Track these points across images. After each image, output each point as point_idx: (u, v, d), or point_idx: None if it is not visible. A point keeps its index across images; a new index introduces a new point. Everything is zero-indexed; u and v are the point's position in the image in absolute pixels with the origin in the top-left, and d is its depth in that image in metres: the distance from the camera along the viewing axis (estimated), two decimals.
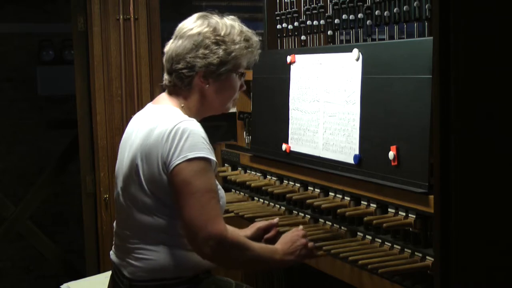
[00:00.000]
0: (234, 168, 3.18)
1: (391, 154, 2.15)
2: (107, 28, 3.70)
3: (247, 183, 2.92)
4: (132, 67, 3.73)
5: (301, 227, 2.34)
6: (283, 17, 2.99)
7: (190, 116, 2.15)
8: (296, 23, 2.91)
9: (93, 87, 3.75)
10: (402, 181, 2.10)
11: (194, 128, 2.06)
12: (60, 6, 5.08)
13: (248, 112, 3.15)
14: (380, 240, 2.21)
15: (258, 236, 2.45)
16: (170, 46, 2.21)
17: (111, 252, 2.27)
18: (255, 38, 2.27)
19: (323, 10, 2.74)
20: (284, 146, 2.75)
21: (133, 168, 2.11)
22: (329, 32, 2.69)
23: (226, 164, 3.23)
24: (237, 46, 2.19)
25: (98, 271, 3.80)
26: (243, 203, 2.93)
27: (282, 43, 3.04)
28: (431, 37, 1.58)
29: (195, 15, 2.25)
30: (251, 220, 2.62)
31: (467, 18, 1.52)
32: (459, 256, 1.53)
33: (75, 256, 5.07)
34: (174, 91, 2.21)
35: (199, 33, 2.16)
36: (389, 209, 2.18)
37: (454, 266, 1.53)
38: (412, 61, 2.11)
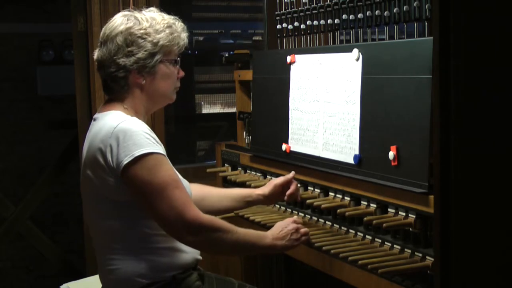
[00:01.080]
0: (234, 168, 3.17)
1: (391, 154, 2.15)
2: None
3: (247, 183, 2.92)
4: None
5: (295, 217, 2.33)
6: (283, 17, 2.99)
7: (136, 114, 2.16)
8: (296, 23, 2.91)
9: (93, 87, 3.75)
10: (402, 181, 2.10)
11: (133, 126, 2.05)
12: (60, 6, 5.08)
13: (248, 112, 3.15)
14: (380, 240, 2.21)
15: (277, 193, 2.45)
16: (98, 53, 2.19)
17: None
18: (179, 23, 2.25)
19: (323, 10, 2.74)
20: (284, 146, 2.75)
21: (85, 178, 2.12)
22: (329, 21, 2.68)
23: (226, 164, 3.23)
24: (162, 35, 2.17)
25: None
26: None
27: (282, 43, 3.04)
28: (431, 37, 1.58)
29: (115, 17, 2.24)
30: (251, 221, 2.63)
31: (467, 18, 1.52)
32: (459, 256, 1.54)
33: (75, 256, 5.08)
34: (114, 96, 2.20)
35: (121, 32, 2.15)
36: (389, 209, 2.18)
37: (454, 266, 1.53)
38: (412, 61, 2.11)
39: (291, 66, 2.75)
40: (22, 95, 5.34)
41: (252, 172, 3.01)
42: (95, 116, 2.22)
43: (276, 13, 3.05)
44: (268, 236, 2.18)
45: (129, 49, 2.14)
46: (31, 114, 5.37)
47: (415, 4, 2.27)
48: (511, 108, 1.57)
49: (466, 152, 1.53)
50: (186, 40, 2.27)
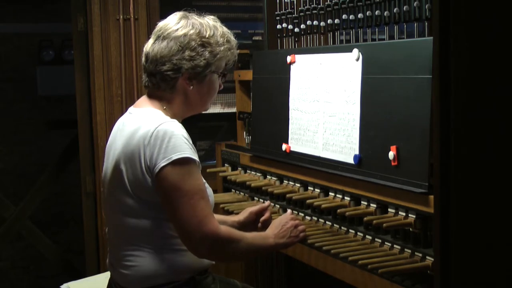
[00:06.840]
0: (234, 168, 3.18)
1: (391, 154, 2.15)
2: (107, 28, 3.70)
3: (247, 183, 2.92)
4: (132, 67, 3.73)
5: (289, 211, 2.35)
6: (283, 17, 2.99)
7: (172, 117, 2.16)
8: (296, 23, 2.91)
9: (93, 87, 3.76)
10: (402, 181, 2.10)
11: (176, 129, 2.06)
12: (60, 6, 5.07)
13: (248, 112, 3.15)
14: (380, 240, 2.21)
15: (251, 220, 2.47)
16: (153, 47, 2.19)
17: (107, 260, 2.26)
18: (233, 38, 2.29)
19: (323, 10, 2.74)
20: (284, 146, 2.75)
21: (117, 173, 2.11)
22: (329, 21, 2.68)
23: (226, 164, 3.23)
24: (221, 48, 2.20)
25: (98, 271, 3.80)
26: (243, 203, 2.92)
27: (282, 43, 3.04)
28: (431, 37, 1.58)
29: (176, 15, 2.24)
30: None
31: (467, 18, 1.52)
32: (459, 256, 1.54)
33: (75, 256, 5.07)
34: (156, 93, 2.21)
35: (184, 35, 2.16)
36: (389, 209, 2.18)
37: (454, 266, 1.53)
38: (412, 61, 2.11)
39: (291, 66, 2.75)
40: (22, 95, 5.33)
41: (252, 172, 3.01)
42: (131, 109, 2.22)
43: (276, 13, 3.05)
44: (270, 236, 2.22)
45: (189, 53, 2.15)
46: (31, 114, 5.37)
47: (415, 4, 2.27)
48: (511, 108, 1.57)
49: (466, 152, 1.53)
50: (237, 57, 2.31)
